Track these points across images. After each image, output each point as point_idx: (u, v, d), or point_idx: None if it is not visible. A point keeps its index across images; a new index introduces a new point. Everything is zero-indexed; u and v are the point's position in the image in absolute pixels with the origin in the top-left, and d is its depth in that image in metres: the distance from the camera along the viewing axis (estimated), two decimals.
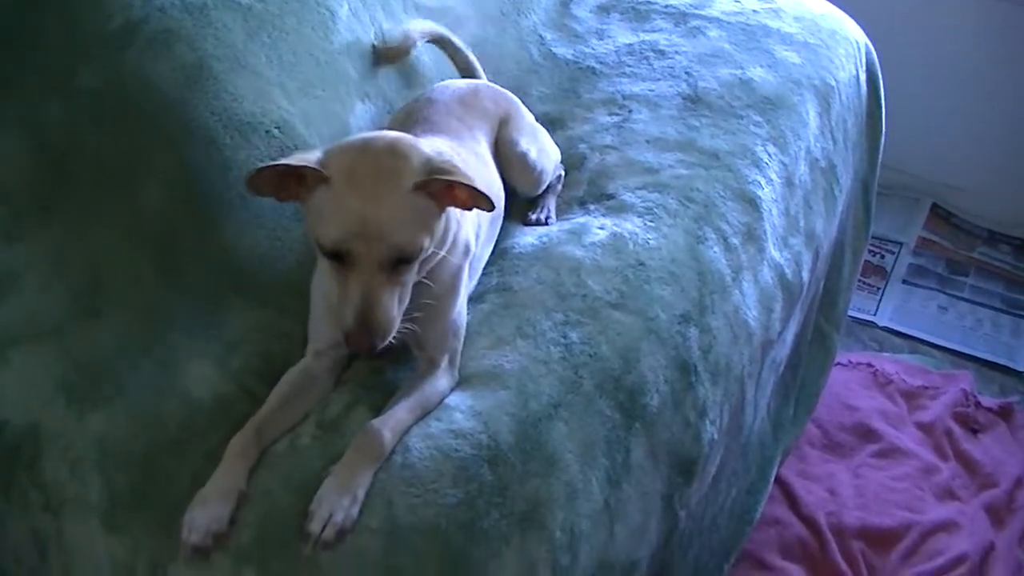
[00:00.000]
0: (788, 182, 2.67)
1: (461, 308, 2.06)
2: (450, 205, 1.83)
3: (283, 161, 1.79)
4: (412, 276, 1.83)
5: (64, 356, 1.93)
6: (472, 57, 2.71)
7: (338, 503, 1.72)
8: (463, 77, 2.69)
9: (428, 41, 2.68)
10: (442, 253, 1.90)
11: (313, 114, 2.32)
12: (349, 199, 1.75)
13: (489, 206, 1.84)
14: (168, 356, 1.97)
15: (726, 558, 2.69)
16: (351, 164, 1.78)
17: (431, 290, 1.93)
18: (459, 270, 2.03)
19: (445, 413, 1.92)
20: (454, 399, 1.95)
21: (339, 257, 1.77)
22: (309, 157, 1.80)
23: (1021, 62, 4.28)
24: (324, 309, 1.95)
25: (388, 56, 2.59)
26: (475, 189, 1.78)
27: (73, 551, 1.86)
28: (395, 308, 1.79)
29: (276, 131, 2.22)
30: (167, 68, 2.13)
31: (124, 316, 1.99)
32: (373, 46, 2.57)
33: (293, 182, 1.80)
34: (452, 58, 2.71)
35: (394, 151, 1.81)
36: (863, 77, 3.25)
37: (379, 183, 1.76)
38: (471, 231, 2.06)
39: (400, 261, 1.78)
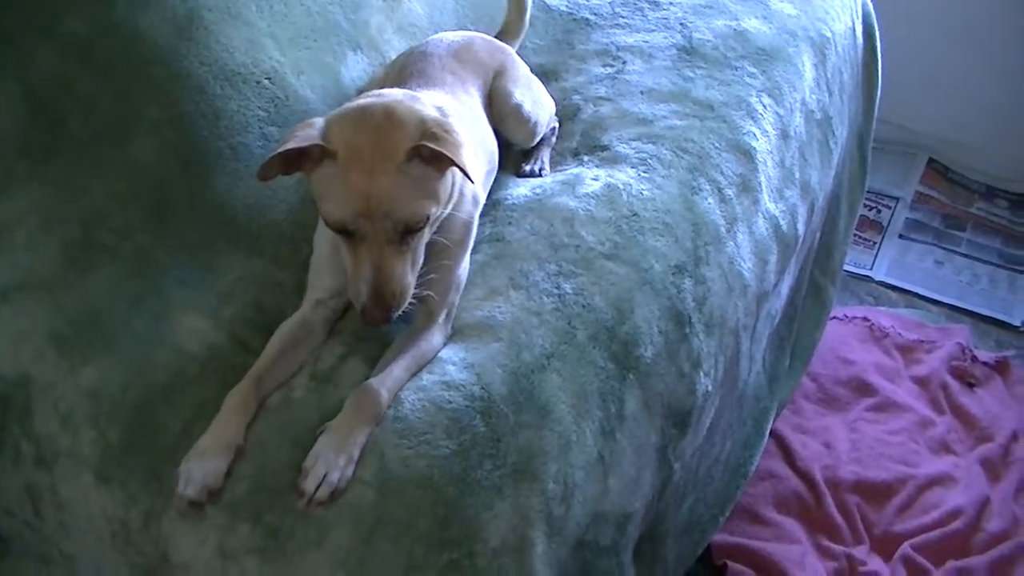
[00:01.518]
0: (783, 134, 2.66)
1: (466, 263, 2.06)
2: (449, 167, 1.82)
3: (291, 145, 1.77)
4: (423, 243, 1.84)
5: (55, 309, 1.92)
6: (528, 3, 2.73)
7: (334, 462, 1.72)
8: (512, 19, 2.71)
9: None
10: (448, 209, 1.90)
11: (304, 64, 2.31)
12: (350, 177, 1.75)
13: (448, 196, 1.85)
14: (160, 307, 1.96)
15: (721, 511, 2.68)
16: (349, 137, 1.77)
17: (442, 245, 1.93)
18: (469, 223, 2.03)
19: (438, 365, 1.91)
20: (447, 352, 1.95)
21: (347, 232, 1.78)
22: (312, 133, 1.79)
23: (1020, 15, 4.25)
24: (327, 257, 1.95)
25: None
26: (456, 163, 1.77)
27: (67, 506, 1.86)
28: (408, 275, 1.81)
29: (267, 81, 2.21)
30: (158, 18, 2.11)
31: (116, 268, 1.97)
32: None
33: (299, 159, 1.80)
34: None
35: (391, 118, 1.80)
36: (859, 29, 3.23)
37: (377, 157, 1.75)
38: (477, 182, 2.05)
39: (408, 231, 1.78)
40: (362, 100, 1.89)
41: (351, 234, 1.78)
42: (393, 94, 1.94)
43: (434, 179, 1.79)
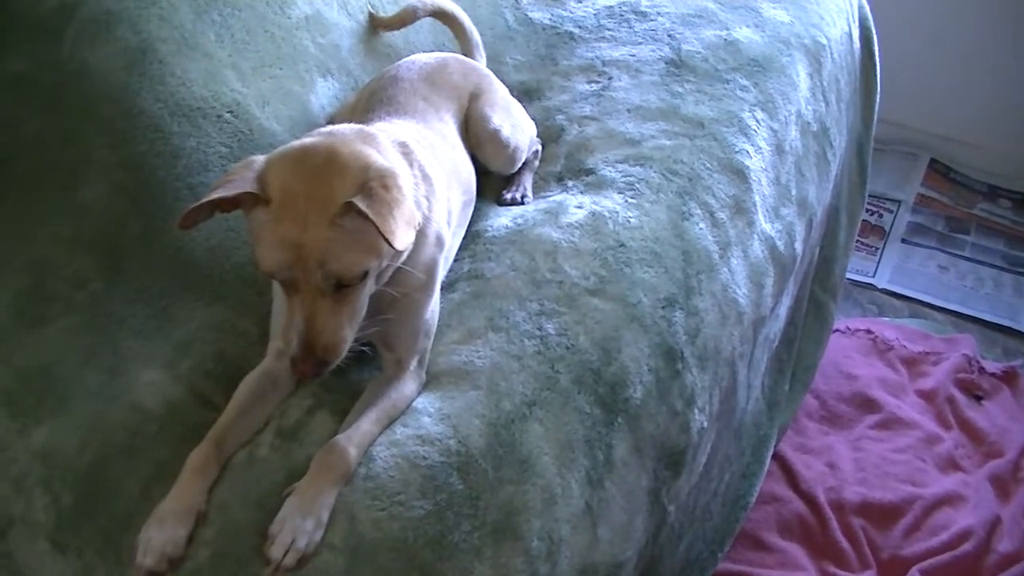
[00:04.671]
0: (778, 149, 2.56)
1: (434, 306, 1.95)
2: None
3: (220, 193, 1.66)
4: (363, 295, 1.72)
5: (5, 365, 1.84)
6: (475, 35, 2.62)
7: (301, 527, 1.63)
8: (462, 42, 2.62)
9: (431, 15, 2.60)
10: (400, 260, 1.78)
11: (269, 95, 2.22)
12: (282, 225, 1.63)
13: (391, 250, 1.68)
14: (115, 361, 1.87)
15: (720, 546, 2.59)
16: (286, 181, 1.65)
17: (403, 285, 1.83)
18: (432, 264, 1.92)
19: (412, 417, 1.82)
20: (421, 401, 1.86)
21: (281, 280, 1.69)
22: (248, 175, 1.68)
23: (1019, 10, 4.16)
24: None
25: (385, 25, 2.55)
26: (379, 231, 1.61)
27: (24, 573, 1.78)
28: (343, 330, 1.69)
29: (229, 115, 2.12)
30: (108, 52, 2.03)
31: (68, 320, 1.89)
32: (369, 13, 2.52)
33: (234, 200, 1.68)
34: (455, 35, 2.63)
35: (332, 164, 1.67)
36: (856, 33, 3.15)
37: (311, 207, 1.63)
38: (442, 220, 1.94)
39: (343, 285, 1.67)
40: (309, 139, 1.77)
41: (283, 282, 1.69)
42: (344, 132, 1.81)
43: (374, 233, 1.64)
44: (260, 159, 1.72)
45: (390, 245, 1.62)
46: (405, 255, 1.78)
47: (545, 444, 1.83)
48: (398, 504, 1.68)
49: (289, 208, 1.63)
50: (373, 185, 1.65)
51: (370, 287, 1.73)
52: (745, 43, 2.76)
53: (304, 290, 1.66)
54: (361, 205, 1.60)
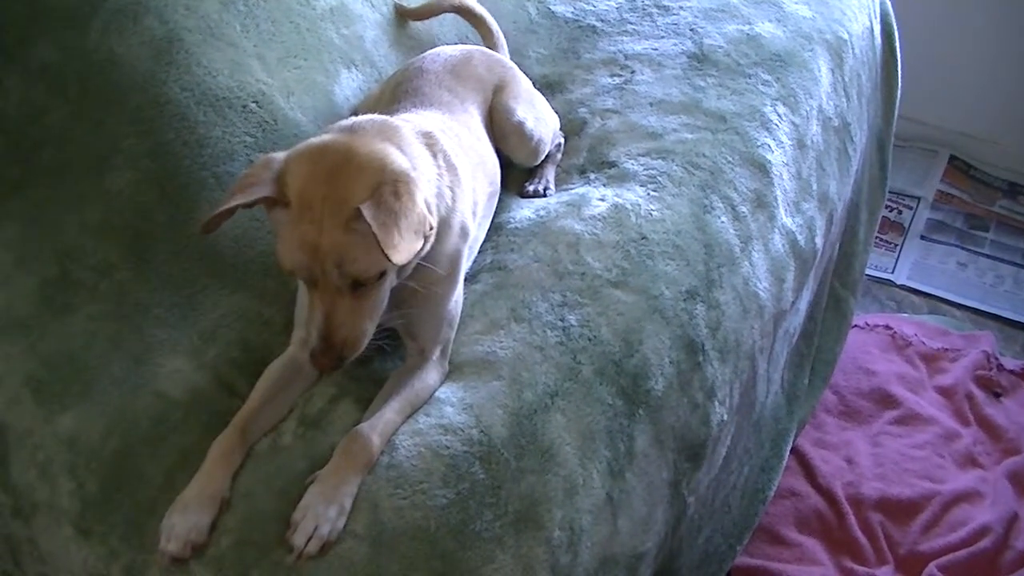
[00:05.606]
0: (799, 144, 2.56)
1: (458, 296, 1.96)
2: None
3: (239, 200, 1.67)
4: (383, 291, 1.74)
5: (31, 352, 1.84)
6: (499, 33, 2.62)
7: (324, 514, 1.64)
8: (484, 35, 2.62)
9: (453, 10, 2.61)
10: (422, 254, 1.78)
11: (294, 85, 2.22)
12: (300, 227, 1.65)
13: (389, 263, 1.65)
14: (141, 349, 1.88)
15: (739, 539, 2.59)
16: (303, 183, 1.66)
17: (427, 277, 1.83)
18: (457, 255, 1.92)
19: (435, 407, 1.83)
20: (444, 391, 1.87)
21: (301, 278, 1.71)
22: (267, 176, 1.69)
23: None
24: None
25: (412, 15, 2.57)
26: (380, 246, 1.59)
27: (48, 559, 1.79)
28: (362, 325, 1.71)
29: (254, 105, 2.12)
30: (134, 42, 2.03)
31: (94, 308, 1.90)
32: (395, 3, 2.54)
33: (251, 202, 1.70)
34: (478, 31, 2.64)
35: (349, 165, 1.68)
36: (877, 29, 3.14)
37: (328, 209, 1.64)
38: (467, 211, 1.94)
39: (360, 283, 1.68)
40: (328, 135, 1.78)
41: (304, 279, 1.71)
42: (365, 127, 1.82)
43: None
44: (279, 157, 1.73)
45: (388, 259, 1.60)
46: (428, 248, 1.79)
47: (567, 435, 1.84)
48: (421, 493, 1.69)
49: (306, 210, 1.65)
50: (384, 191, 1.64)
51: (390, 282, 1.75)
52: (767, 38, 2.75)
53: (323, 287, 1.67)
54: (367, 214, 1.60)
